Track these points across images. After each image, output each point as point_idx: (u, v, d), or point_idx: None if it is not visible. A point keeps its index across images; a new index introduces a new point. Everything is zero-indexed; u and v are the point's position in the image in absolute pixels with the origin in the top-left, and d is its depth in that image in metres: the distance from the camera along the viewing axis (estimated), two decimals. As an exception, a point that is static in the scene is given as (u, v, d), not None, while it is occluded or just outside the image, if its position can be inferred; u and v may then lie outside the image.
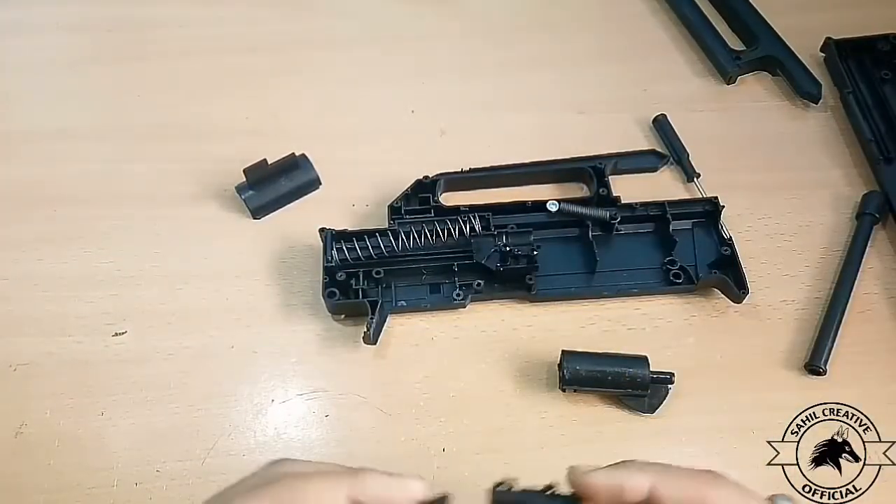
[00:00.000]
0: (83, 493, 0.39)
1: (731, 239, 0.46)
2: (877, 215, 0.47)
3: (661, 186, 0.50)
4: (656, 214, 0.47)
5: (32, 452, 0.40)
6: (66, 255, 0.47)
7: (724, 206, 0.46)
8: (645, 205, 0.47)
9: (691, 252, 0.46)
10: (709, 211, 0.47)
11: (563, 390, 0.41)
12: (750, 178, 0.48)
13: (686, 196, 0.48)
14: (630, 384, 0.39)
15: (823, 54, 0.56)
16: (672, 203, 0.47)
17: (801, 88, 0.53)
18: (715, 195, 0.47)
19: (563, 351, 0.41)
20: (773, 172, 0.50)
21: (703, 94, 0.55)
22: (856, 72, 0.53)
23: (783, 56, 0.54)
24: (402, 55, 0.57)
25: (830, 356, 0.42)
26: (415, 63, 0.57)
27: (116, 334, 0.44)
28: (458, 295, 0.44)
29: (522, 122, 0.52)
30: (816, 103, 0.53)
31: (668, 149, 0.51)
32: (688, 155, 0.50)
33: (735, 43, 0.57)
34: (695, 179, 0.49)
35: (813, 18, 0.57)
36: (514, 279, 0.44)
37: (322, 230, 0.44)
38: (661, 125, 0.52)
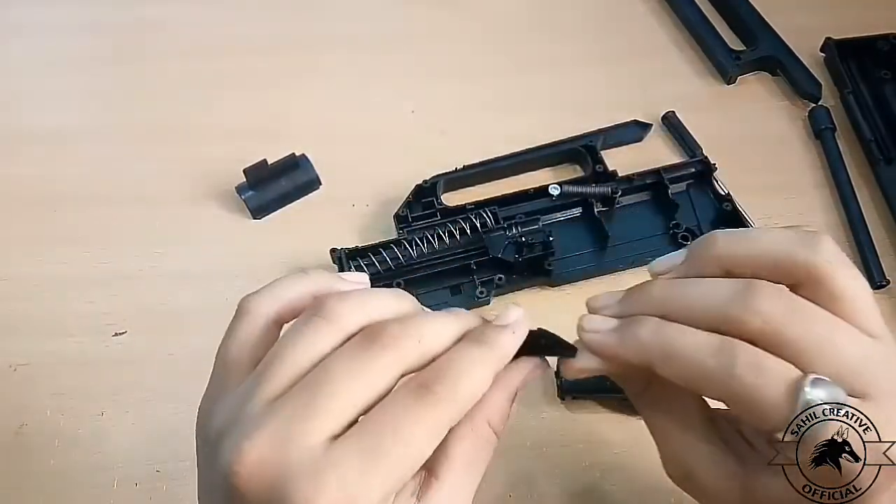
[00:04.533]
0: (83, 493, 0.39)
1: (729, 194, 0.47)
2: (832, 126, 0.51)
3: (649, 155, 0.50)
4: (653, 182, 0.48)
5: (32, 452, 0.40)
6: (66, 255, 0.47)
7: (715, 164, 0.48)
8: (641, 174, 0.48)
9: (692, 213, 0.47)
10: (700, 171, 0.48)
11: (562, 399, 0.41)
12: (750, 178, 0.48)
13: (673, 160, 0.50)
14: None
15: (823, 54, 0.56)
16: (665, 169, 0.48)
17: (801, 88, 0.53)
18: (704, 154, 0.49)
19: (559, 359, 0.41)
20: (773, 172, 0.50)
21: (703, 94, 0.55)
22: (856, 72, 0.53)
23: (783, 56, 0.54)
24: (403, 55, 0.57)
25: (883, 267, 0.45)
26: (415, 63, 0.57)
27: (116, 334, 0.44)
28: (480, 293, 0.44)
29: (522, 122, 0.52)
30: (816, 103, 0.53)
31: (681, 145, 0.51)
32: (701, 150, 0.50)
33: (735, 43, 0.57)
34: (713, 174, 0.49)
35: (813, 18, 0.57)
36: (533, 267, 0.44)
37: (333, 250, 0.44)
38: (671, 122, 0.52)
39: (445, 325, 0.25)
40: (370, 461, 0.21)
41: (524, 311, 0.27)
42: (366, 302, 0.25)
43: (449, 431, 0.23)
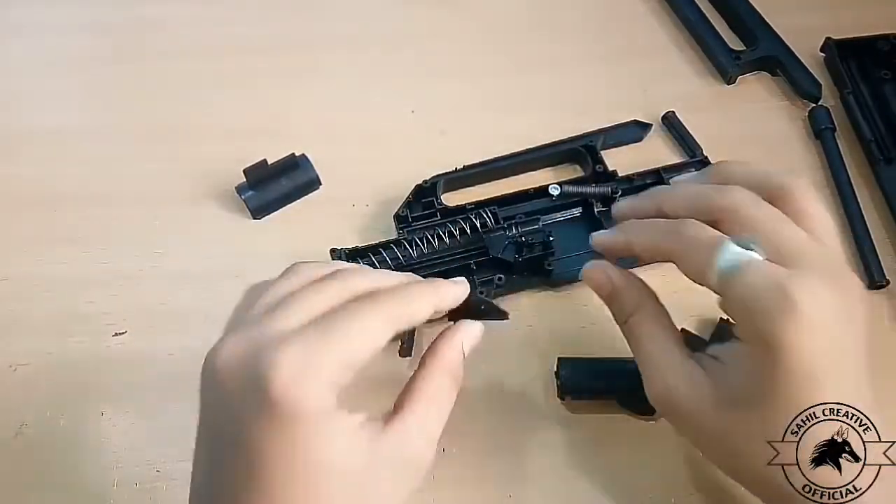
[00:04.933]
0: (83, 493, 0.39)
1: None
2: (832, 126, 0.51)
3: (649, 155, 0.50)
4: (653, 182, 0.48)
5: (32, 452, 0.40)
6: (66, 255, 0.47)
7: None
8: (641, 174, 0.48)
9: None
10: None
11: (562, 398, 0.41)
12: (750, 178, 0.48)
13: (673, 160, 0.50)
14: (628, 387, 0.38)
15: (823, 54, 0.56)
16: (665, 169, 0.48)
17: (801, 88, 0.53)
18: (705, 154, 0.49)
19: (559, 359, 0.41)
20: (773, 172, 0.50)
21: (703, 94, 0.55)
22: (856, 72, 0.53)
23: (783, 56, 0.54)
24: (403, 55, 0.57)
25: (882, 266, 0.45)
26: (415, 63, 0.57)
27: (116, 334, 0.44)
28: (480, 293, 0.44)
29: (522, 122, 0.52)
30: (816, 103, 0.53)
31: (681, 145, 0.51)
32: (701, 150, 0.50)
33: (735, 43, 0.57)
34: None
35: (813, 18, 0.57)
36: (533, 267, 0.44)
37: (333, 250, 0.44)
38: (671, 122, 0.52)
39: (400, 276, 0.31)
40: (327, 334, 0.26)
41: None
42: (351, 270, 0.31)
43: (414, 376, 0.30)
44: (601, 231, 0.36)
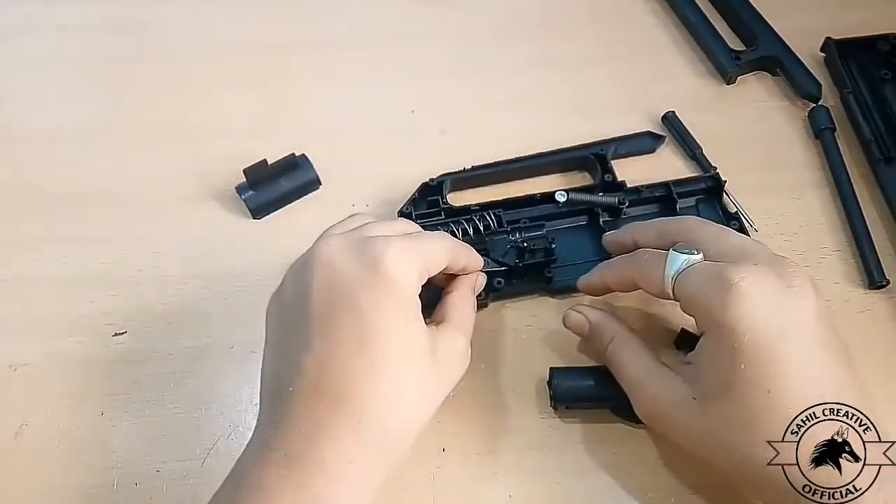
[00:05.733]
0: (83, 493, 0.39)
1: (737, 213, 0.47)
2: (832, 126, 0.51)
3: (660, 167, 0.50)
4: (662, 195, 0.47)
5: (32, 452, 0.40)
6: (66, 255, 0.47)
7: (725, 181, 0.47)
8: (650, 187, 0.47)
9: None
10: (711, 187, 0.48)
11: (555, 408, 0.41)
12: (750, 178, 0.48)
13: (686, 174, 0.49)
14: (621, 397, 0.38)
15: (823, 54, 0.56)
16: (675, 182, 0.47)
17: (801, 88, 0.53)
18: (716, 168, 0.49)
19: (551, 368, 0.40)
20: (773, 172, 0.50)
21: (703, 94, 0.55)
22: (856, 72, 0.53)
23: (783, 56, 0.54)
24: (402, 55, 0.57)
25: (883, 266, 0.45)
26: (415, 63, 0.57)
27: (116, 334, 0.44)
28: (479, 295, 0.44)
29: (522, 122, 0.53)
30: (816, 103, 0.53)
31: (681, 145, 0.51)
32: (701, 150, 0.50)
33: (735, 43, 0.57)
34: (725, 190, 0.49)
35: (813, 18, 0.57)
36: (533, 273, 0.44)
37: None
38: (671, 122, 0.52)
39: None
40: (415, 242, 0.34)
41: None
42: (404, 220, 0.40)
43: (444, 302, 0.38)
44: (583, 276, 0.42)
